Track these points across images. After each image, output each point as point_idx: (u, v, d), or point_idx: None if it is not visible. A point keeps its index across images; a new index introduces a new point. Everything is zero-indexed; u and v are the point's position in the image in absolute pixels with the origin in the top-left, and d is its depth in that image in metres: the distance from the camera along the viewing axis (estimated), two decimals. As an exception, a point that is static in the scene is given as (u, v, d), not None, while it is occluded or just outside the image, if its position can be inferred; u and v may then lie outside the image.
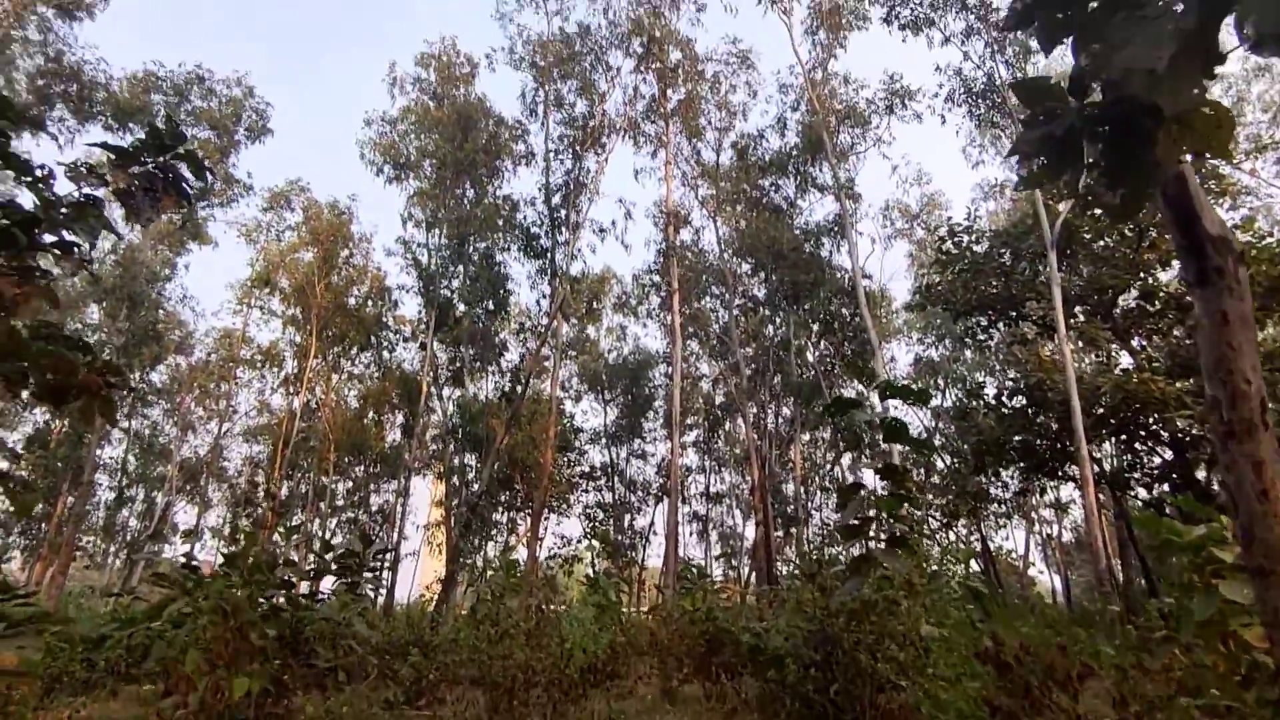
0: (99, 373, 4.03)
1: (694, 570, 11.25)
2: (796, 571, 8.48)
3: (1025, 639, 3.79)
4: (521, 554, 22.43)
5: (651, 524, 30.99)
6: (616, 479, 31.36)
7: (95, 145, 4.68)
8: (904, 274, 37.14)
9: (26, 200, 3.73)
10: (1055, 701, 2.77)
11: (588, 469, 31.35)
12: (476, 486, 20.88)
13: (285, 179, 30.79)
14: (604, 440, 31.77)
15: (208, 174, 4.63)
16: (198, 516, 32.62)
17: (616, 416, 31.92)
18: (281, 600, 7.12)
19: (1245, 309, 2.85)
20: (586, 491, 31.15)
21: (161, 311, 27.08)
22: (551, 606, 7.86)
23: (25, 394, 3.91)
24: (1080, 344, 15.67)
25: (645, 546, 30.70)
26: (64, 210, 3.84)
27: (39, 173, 3.81)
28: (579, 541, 27.46)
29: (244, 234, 27.56)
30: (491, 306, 22.45)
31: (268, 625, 6.76)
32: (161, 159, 4.49)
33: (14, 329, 3.76)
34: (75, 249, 3.71)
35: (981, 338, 18.30)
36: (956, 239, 16.70)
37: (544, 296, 21.70)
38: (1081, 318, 14.79)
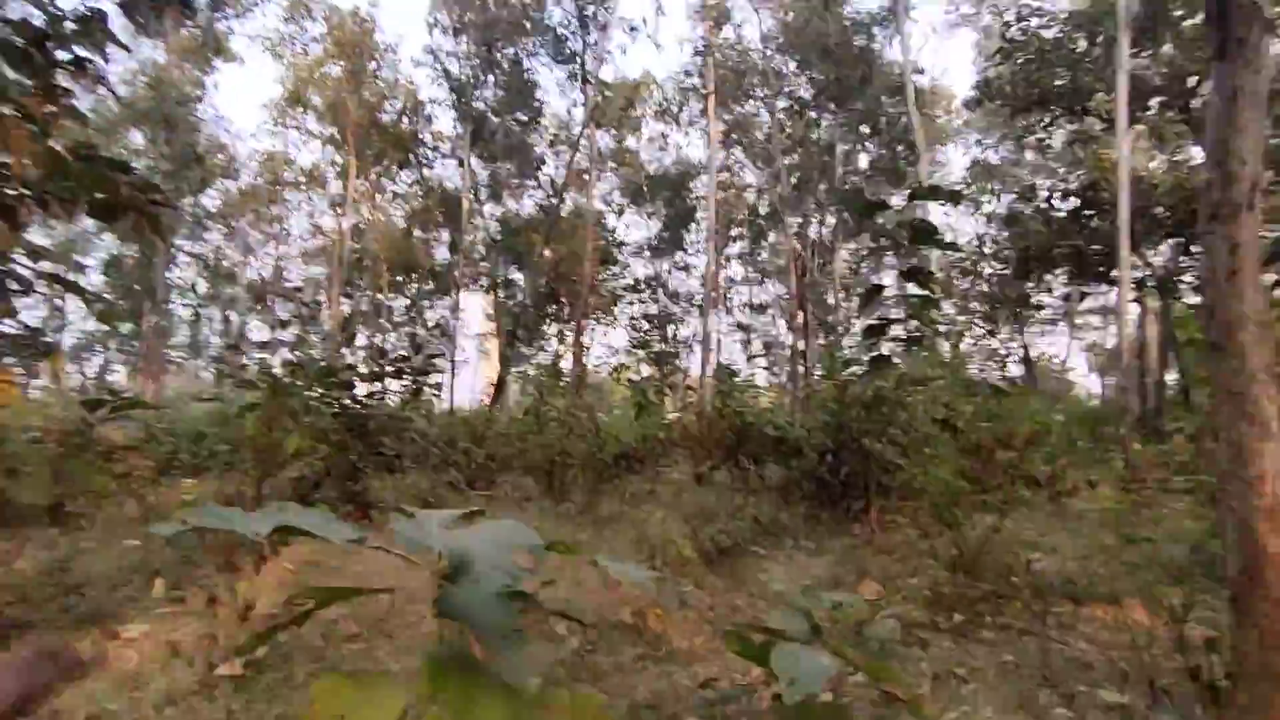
0: (142, 190, 4.31)
1: (729, 374, 11.82)
2: (822, 372, 8.94)
3: (1008, 419, 4.10)
4: (569, 362, 23.64)
5: (695, 334, 31.92)
6: (660, 291, 31.88)
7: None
8: (966, 67, 33.80)
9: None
10: (1000, 458, 3.12)
11: (632, 282, 31.84)
12: (521, 299, 21.59)
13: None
14: (647, 253, 31.90)
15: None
16: (270, 331, 34.94)
17: (660, 229, 31.72)
18: (348, 400, 7.92)
19: (1259, 85, 2.73)
20: (631, 304, 31.91)
21: (201, 135, 27.13)
22: (590, 404, 8.57)
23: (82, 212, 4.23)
24: (1151, 139, 14.45)
25: (688, 354, 31.87)
26: (71, 25, 3.90)
27: (40, -14, 3.83)
28: (625, 351, 28.68)
29: (269, 48, 26.71)
30: (524, 117, 21.69)
31: (337, 420, 7.65)
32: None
33: (53, 149, 4.00)
34: (89, 64, 3.82)
35: (1041, 136, 16.98)
36: (1023, 23, 14.96)
37: (576, 105, 20.78)
38: (1155, 110, 13.50)
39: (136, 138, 24.59)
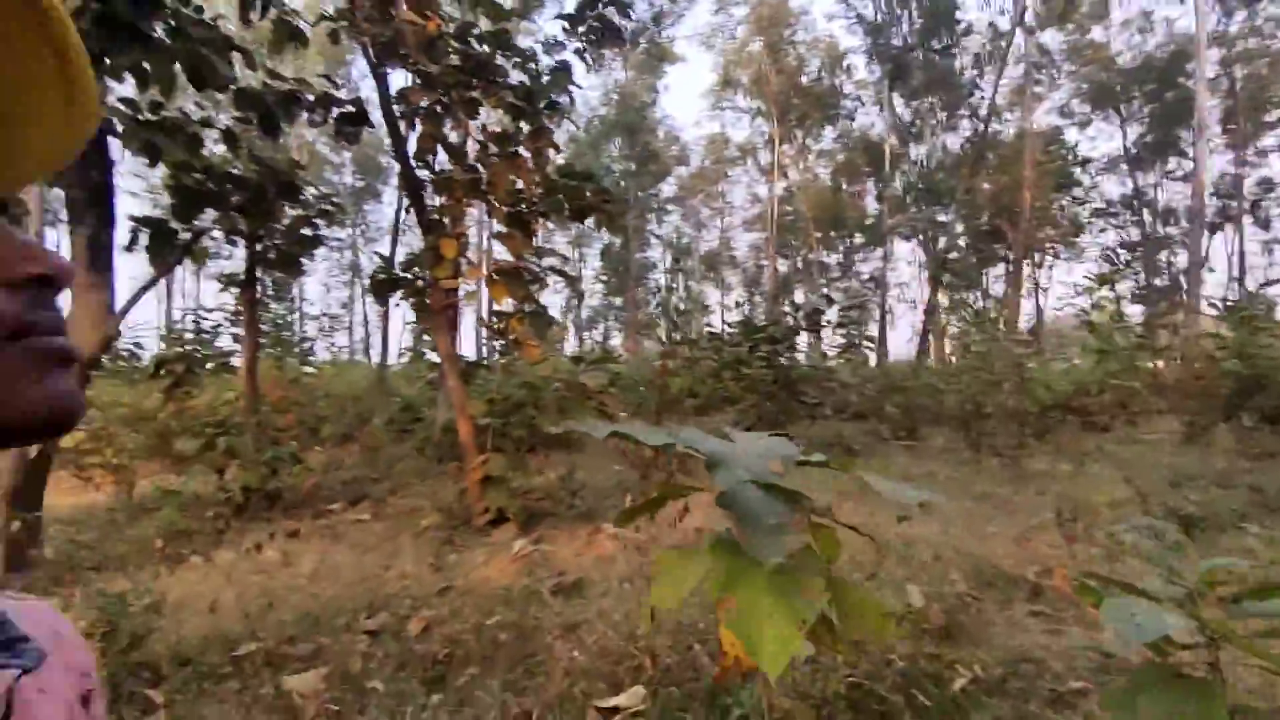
0: (597, 195, 5.56)
1: (1240, 308, 9.22)
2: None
3: None
4: (1023, 307, 20.98)
5: (1204, 257, 24.83)
6: (1145, 210, 25.75)
7: (559, 17, 6.01)
8: None
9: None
10: None
11: (1102, 204, 26.44)
12: (948, 241, 19.94)
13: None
14: (1124, 167, 26.02)
15: (629, 11, 5.55)
16: (721, 295, 39.38)
17: (1140, 134, 25.51)
18: (775, 353, 8.73)
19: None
20: (1104, 230, 26.55)
21: (659, 133, 31.97)
22: (1013, 350, 7.70)
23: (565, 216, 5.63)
24: None
25: (1195, 284, 25.02)
26: (546, 78, 5.21)
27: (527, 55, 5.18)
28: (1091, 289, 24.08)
29: (703, 42, 29.89)
30: (946, 41, 19.76)
31: (766, 371, 8.51)
32: (595, 13, 5.52)
33: (546, 174, 5.43)
34: (558, 106, 5.07)
35: None
36: None
37: (1003, 12, 17.98)
38: None
39: (614, 145, 30.19)
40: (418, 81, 5.27)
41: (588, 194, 5.56)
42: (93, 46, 3.58)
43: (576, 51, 5.58)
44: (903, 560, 3.57)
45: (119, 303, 4.35)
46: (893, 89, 20.99)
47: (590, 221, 5.68)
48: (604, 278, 30.67)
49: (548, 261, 5.50)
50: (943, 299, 17.30)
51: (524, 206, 5.39)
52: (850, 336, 10.23)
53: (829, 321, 10.01)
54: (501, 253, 5.50)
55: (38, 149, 0.38)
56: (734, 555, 1.27)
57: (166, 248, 4.62)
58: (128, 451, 6.71)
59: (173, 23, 4.15)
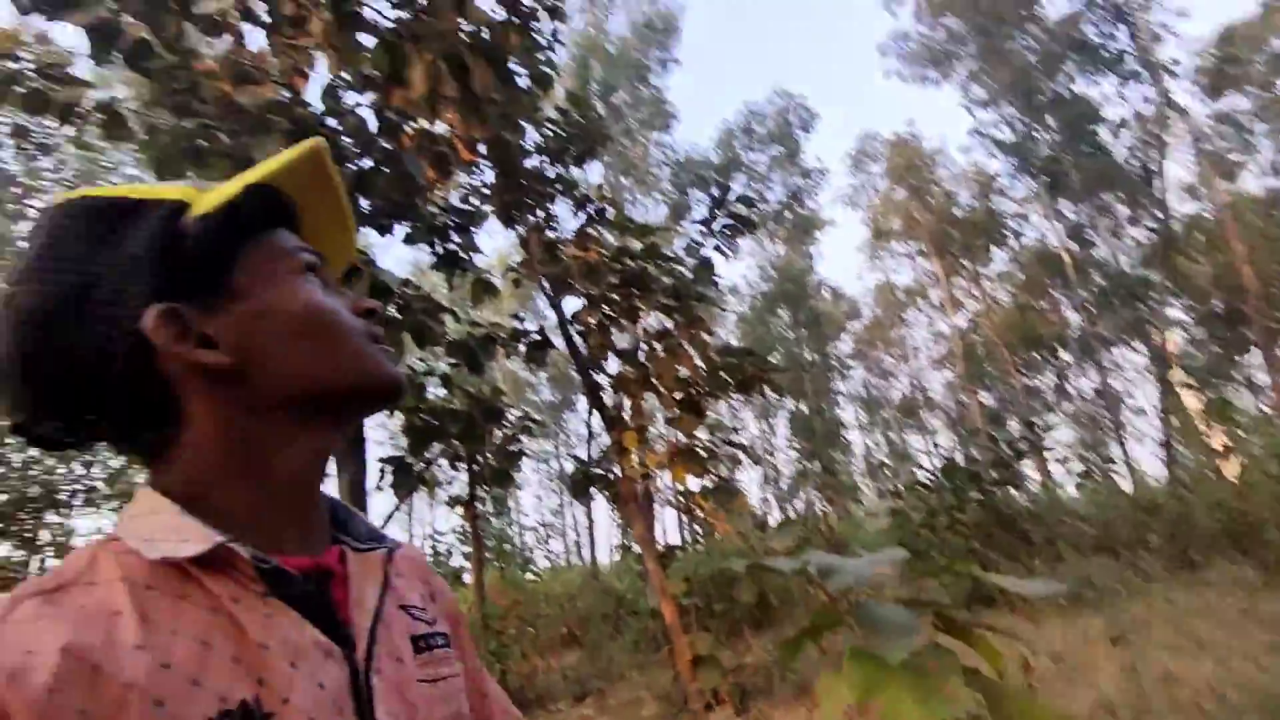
0: (758, 367, 5.89)
1: None
2: None
3: None
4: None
5: None
6: None
7: (695, 223, 6.82)
8: None
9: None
10: None
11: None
12: (1185, 336, 17.49)
13: (859, 134, 32.98)
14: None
15: (753, 202, 6.19)
16: (926, 441, 36.81)
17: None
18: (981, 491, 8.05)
19: None
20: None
21: (826, 293, 32.70)
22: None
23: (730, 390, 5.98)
24: None
25: None
26: (693, 275, 5.85)
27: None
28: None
29: (848, 202, 31.14)
30: (1093, 146, 18.95)
31: (977, 513, 7.84)
32: (724, 211, 6.23)
33: (709, 356, 5.90)
34: (704, 297, 5.62)
35: None
36: None
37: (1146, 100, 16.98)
38: None
39: (779, 322, 31.12)
40: (585, 304, 6.16)
41: (749, 368, 5.94)
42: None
43: (715, 248, 6.26)
44: (1171, 702, 3.02)
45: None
46: (1054, 197, 20.16)
47: (770, 390, 5.98)
48: (795, 444, 30.23)
49: (721, 437, 5.79)
50: (1191, 400, 14.90)
51: (692, 390, 5.84)
52: (1085, 460, 9.17)
53: (1051, 448, 9.10)
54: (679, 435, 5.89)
55: (331, 261, 0.65)
56: (871, 662, 1.33)
57: (406, 480, 5.53)
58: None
59: (400, 302, 5.35)
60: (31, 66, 4.11)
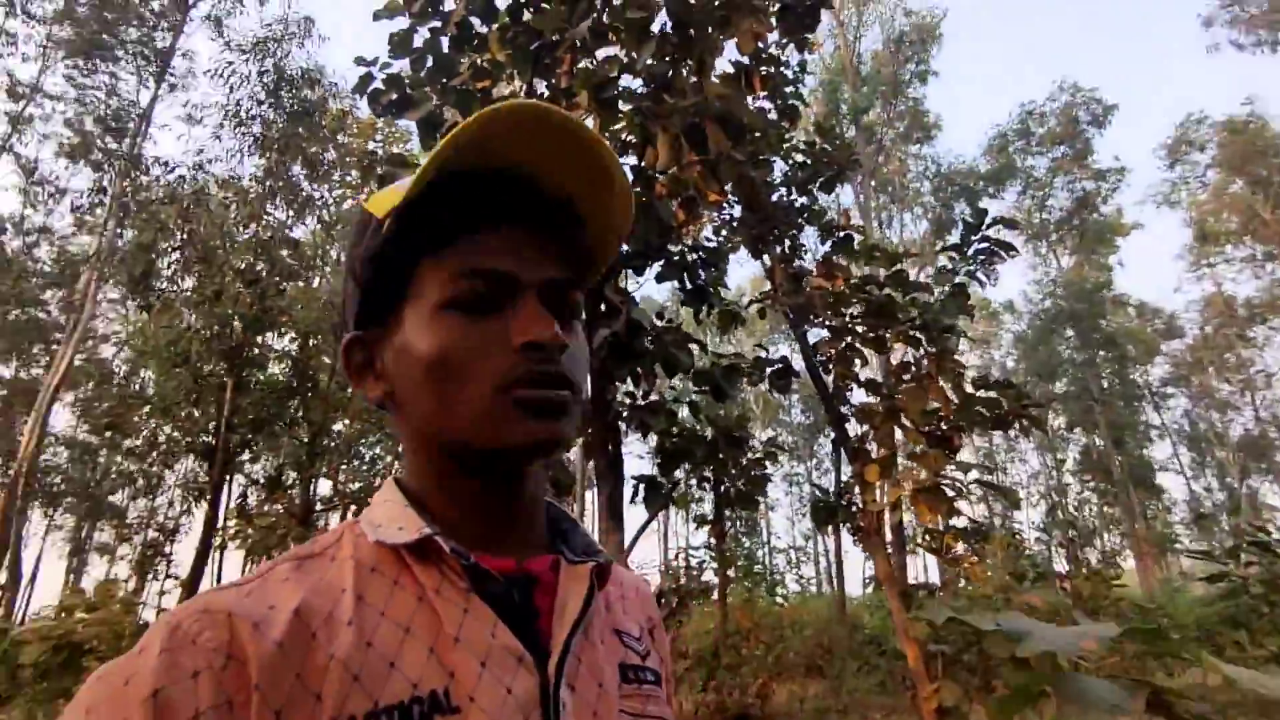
0: (1016, 402, 5.47)
1: None
2: None
3: None
4: None
5: None
6: None
7: (943, 250, 6.49)
8: None
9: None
10: None
11: None
12: None
13: (1178, 120, 27.68)
14: None
15: (1015, 224, 5.77)
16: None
17: None
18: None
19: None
20: None
21: (1131, 309, 27.94)
22: None
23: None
24: None
25: None
26: (943, 305, 5.62)
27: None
28: None
29: (1163, 201, 26.36)
30: None
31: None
32: (980, 235, 5.89)
33: (962, 389, 5.61)
34: (953, 330, 5.36)
35: None
36: None
37: None
38: None
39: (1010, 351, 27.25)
40: (828, 334, 6.21)
41: (1006, 403, 5.50)
42: (606, 365, 5.36)
43: (968, 273, 5.92)
44: None
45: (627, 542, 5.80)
46: None
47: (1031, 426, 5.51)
48: (1090, 484, 26.07)
49: (977, 476, 5.43)
50: None
51: (942, 424, 5.57)
52: None
53: None
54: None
55: (602, 249, 0.60)
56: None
57: (657, 497, 6.07)
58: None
59: (651, 335, 5.92)
60: (376, 149, 5.45)
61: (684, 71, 4.11)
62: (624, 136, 5.10)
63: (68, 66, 15.63)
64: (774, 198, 7.38)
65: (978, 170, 24.18)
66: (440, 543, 0.49)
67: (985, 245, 5.94)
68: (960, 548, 5.18)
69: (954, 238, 6.24)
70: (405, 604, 0.48)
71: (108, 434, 17.33)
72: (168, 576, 15.22)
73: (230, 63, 12.09)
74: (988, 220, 5.89)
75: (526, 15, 4.96)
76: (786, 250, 7.25)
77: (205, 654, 0.42)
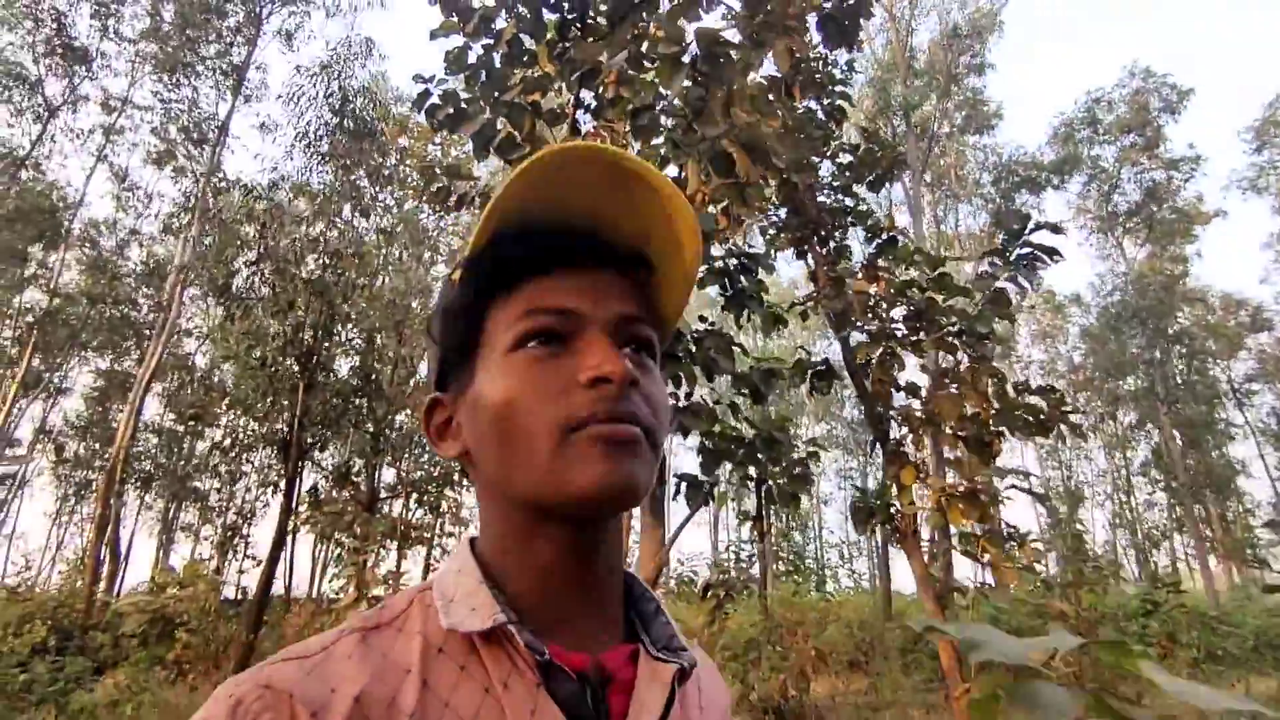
0: (1056, 407, 5.49)
1: None
2: None
3: None
4: None
5: None
6: None
7: (985, 255, 6.48)
8: None
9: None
10: None
11: None
12: None
13: (1267, 99, 25.98)
14: None
15: (1061, 229, 5.76)
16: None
17: None
18: None
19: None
20: None
21: (1213, 300, 26.54)
22: None
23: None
24: None
25: None
26: (980, 310, 5.67)
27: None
28: None
29: (1248, 186, 24.94)
30: None
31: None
32: (1022, 241, 5.89)
33: (1004, 393, 5.65)
34: (990, 336, 5.40)
35: None
36: None
37: None
38: None
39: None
40: (867, 338, 6.32)
41: (1046, 408, 5.52)
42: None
43: (1009, 278, 5.93)
44: None
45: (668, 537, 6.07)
46: None
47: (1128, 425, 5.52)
48: (1160, 484, 24.97)
49: (1004, 480, 5.48)
50: None
51: (981, 429, 5.63)
52: None
53: None
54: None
55: (673, 296, 0.56)
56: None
57: (697, 495, 6.32)
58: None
59: (694, 337, 6.15)
60: (435, 151, 5.85)
61: (719, 93, 4.31)
62: (662, 151, 5.34)
63: (154, 80, 16.77)
64: (820, 197, 7.48)
65: (1041, 161, 23.37)
66: (514, 635, 0.47)
67: (1029, 250, 5.93)
68: (991, 552, 5.24)
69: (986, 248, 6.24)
70: (471, 695, 0.46)
71: (192, 423, 18.80)
72: (246, 557, 16.31)
73: (300, 86, 12.93)
74: (1031, 225, 5.88)
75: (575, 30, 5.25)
76: (830, 252, 7.36)
77: None
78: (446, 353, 0.56)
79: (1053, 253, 5.98)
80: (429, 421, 0.57)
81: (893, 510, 6.18)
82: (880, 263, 6.89)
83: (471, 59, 5.92)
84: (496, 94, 5.88)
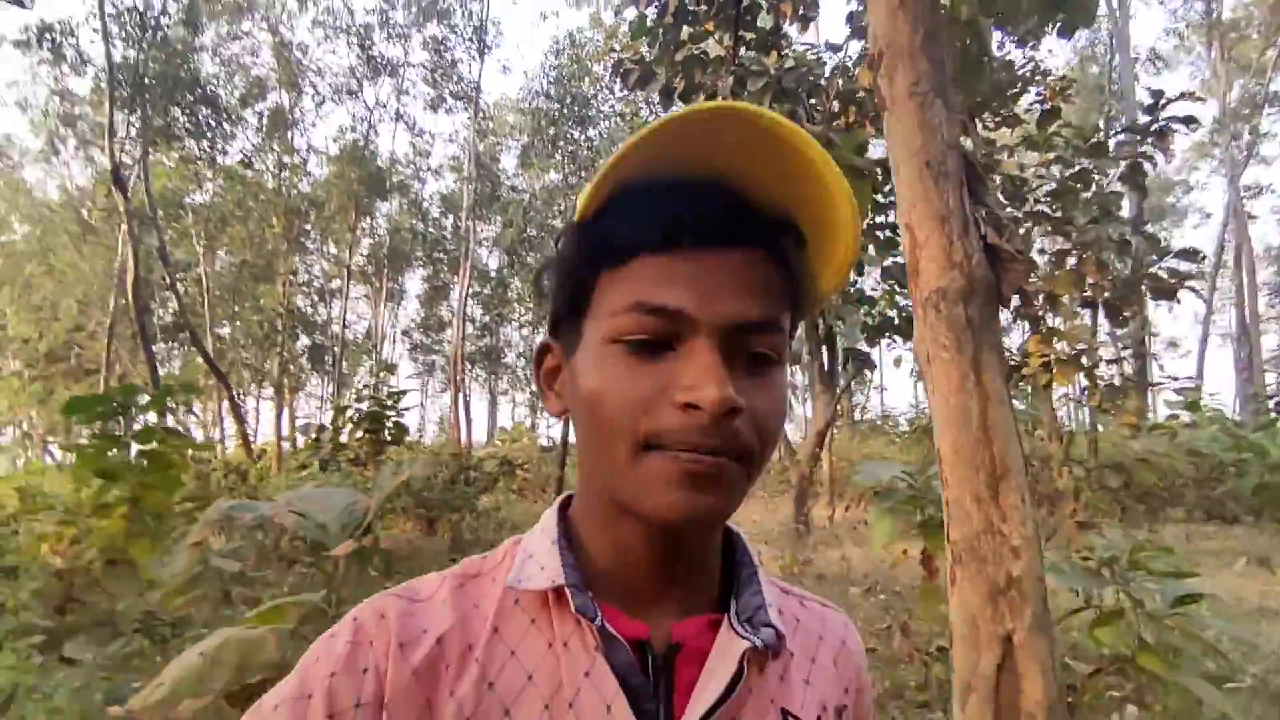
0: (1175, 274, 6.09)
1: None
2: None
3: None
4: None
5: None
6: None
7: (1118, 133, 6.67)
8: None
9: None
10: None
11: None
12: None
13: None
14: None
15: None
16: None
17: None
18: None
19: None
20: None
21: None
22: None
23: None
24: None
25: None
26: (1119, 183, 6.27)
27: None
28: None
29: None
30: None
31: None
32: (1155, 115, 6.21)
33: (1105, 272, 6.35)
34: (1098, 220, 6.09)
35: None
36: None
37: None
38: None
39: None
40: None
41: (1170, 276, 6.10)
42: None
43: (1141, 154, 6.31)
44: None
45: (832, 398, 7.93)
46: None
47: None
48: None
49: (1125, 345, 6.29)
50: None
51: (1100, 300, 6.39)
52: None
53: None
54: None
55: (826, 274, 0.51)
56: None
57: (855, 363, 8.02)
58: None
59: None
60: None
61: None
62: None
63: (421, 48, 21.11)
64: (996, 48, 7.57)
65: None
66: (567, 598, 0.47)
67: (1162, 124, 6.12)
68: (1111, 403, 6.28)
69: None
70: (535, 648, 0.47)
71: (496, 315, 24.56)
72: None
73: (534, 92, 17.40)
74: (1164, 100, 6.10)
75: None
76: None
77: (376, 656, 0.46)
78: (558, 305, 0.52)
79: (1189, 121, 6.18)
80: (540, 366, 0.55)
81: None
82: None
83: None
84: (671, 50, 7.56)
